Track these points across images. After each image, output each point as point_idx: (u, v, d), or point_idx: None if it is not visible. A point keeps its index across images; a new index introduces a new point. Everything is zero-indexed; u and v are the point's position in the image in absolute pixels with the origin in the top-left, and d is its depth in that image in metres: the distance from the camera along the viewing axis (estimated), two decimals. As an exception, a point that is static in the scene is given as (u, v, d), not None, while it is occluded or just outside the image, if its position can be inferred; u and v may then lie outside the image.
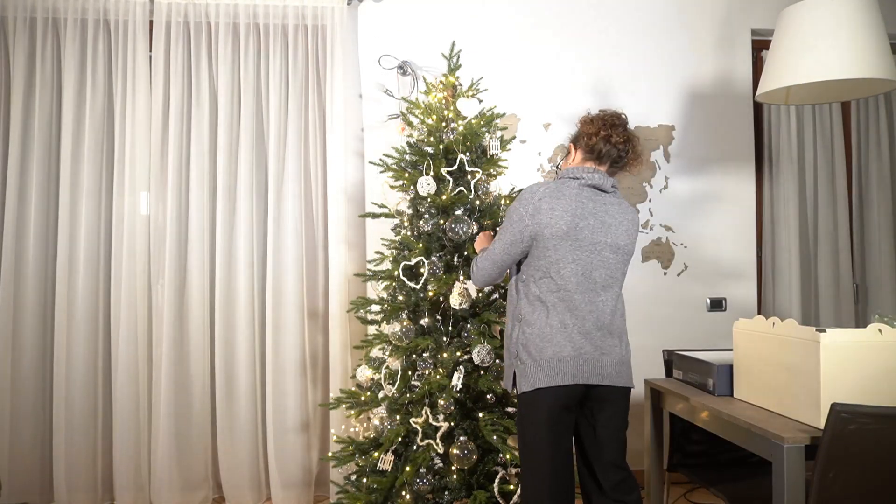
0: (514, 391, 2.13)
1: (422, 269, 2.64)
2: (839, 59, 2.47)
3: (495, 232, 2.63)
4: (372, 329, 2.91)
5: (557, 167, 2.41)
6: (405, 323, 2.64)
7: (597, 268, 2.09)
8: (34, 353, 3.24)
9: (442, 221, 2.66)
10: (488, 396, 2.60)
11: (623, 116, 2.20)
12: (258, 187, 3.40)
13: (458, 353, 2.60)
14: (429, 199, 2.67)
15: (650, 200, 3.59)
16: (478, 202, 2.69)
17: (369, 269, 2.84)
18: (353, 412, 2.80)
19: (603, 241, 2.09)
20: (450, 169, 2.67)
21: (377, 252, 2.95)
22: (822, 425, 1.87)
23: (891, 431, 1.74)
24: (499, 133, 2.81)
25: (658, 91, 3.59)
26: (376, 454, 2.59)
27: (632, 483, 2.17)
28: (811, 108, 3.72)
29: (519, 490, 2.47)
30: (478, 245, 2.43)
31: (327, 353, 3.37)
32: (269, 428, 3.30)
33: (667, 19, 3.60)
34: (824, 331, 1.93)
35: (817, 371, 1.91)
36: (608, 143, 2.13)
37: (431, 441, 2.52)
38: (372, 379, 2.76)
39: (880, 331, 1.93)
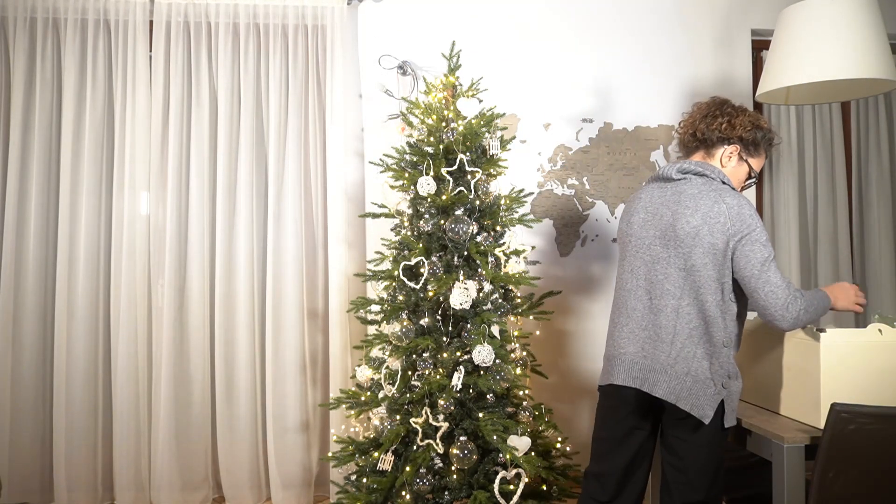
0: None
1: (422, 269, 2.64)
2: (839, 59, 2.47)
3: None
4: (372, 329, 2.91)
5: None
6: (405, 323, 2.64)
7: (644, 264, 2.01)
8: (34, 353, 3.24)
9: (442, 221, 2.66)
10: (488, 396, 2.60)
11: (702, 102, 2.15)
12: (258, 187, 3.40)
13: (458, 353, 2.60)
14: (429, 199, 2.67)
15: (650, 200, 3.59)
16: (478, 202, 2.69)
17: (369, 269, 2.84)
18: (353, 412, 2.80)
19: (651, 235, 2.00)
20: (450, 169, 2.67)
21: (377, 252, 2.95)
22: (821, 425, 1.87)
23: (891, 431, 1.74)
24: (499, 133, 2.81)
25: (658, 91, 3.59)
26: (376, 454, 2.59)
27: None
28: (811, 108, 3.72)
29: (520, 489, 2.46)
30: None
31: (327, 353, 3.37)
32: (269, 428, 3.30)
33: (667, 19, 3.60)
34: (824, 331, 1.93)
35: (817, 371, 1.91)
36: (678, 134, 2.17)
37: (431, 441, 2.52)
38: (372, 379, 2.76)
39: (880, 331, 1.93)
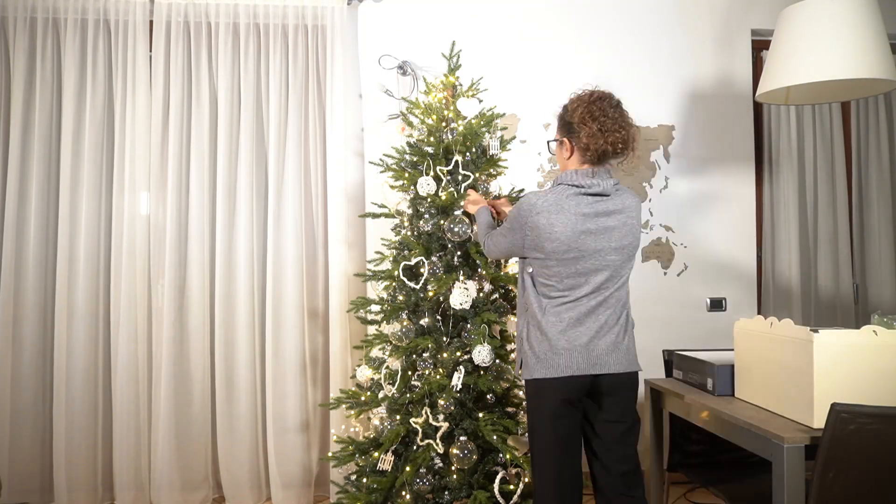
0: (520, 374, 2.16)
1: (422, 269, 2.64)
2: (839, 59, 2.47)
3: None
4: (372, 329, 2.91)
5: (551, 155, 2.33)
6: (405, 323, 2.64)
7: (600, 270, 2.04)
8: (34, 353, 3.24)
9: (442, 221, 2.66)
10: (488, 396, 2.60)
11: (616, 101, 2.07)
12: (258, 187, 3.40)
13: (458, 353, 2.60)
14: (429, 199, 2.67)
15: (650, 200, 3.59)
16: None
17: (369, 269, 2.84)
18: (353, 412, 2.80)
19: (607, 247, 2.04)
20: (449, 169, 2.67)
21: (377, 252, 2.95)
22: (814, 425, 1.87)
23: (891, 431, 1.74)
24: (499, 133, 2.81)
25: (658, 91, 3.59)
26: (376, 454, 2.59)
27: (638, 477, 2.11)
28: (811, 108, 3.72)
29: (520, 489, 2.47)
30: (471, 207, 2.55)
31: (327, 352, 3.37)
32: (269, 428, 3.30)
33: (666, 19, 3.60)
34: (817, 331, 1.93)
35: (810, 371, 1.91)
36: (607, 143, 2.02)
37: (431, 441, 2.52)
38: (372, 379, 2.76)
39: (875, 332, 1.92)
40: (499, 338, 2.60)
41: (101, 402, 3.29)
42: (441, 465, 2.56)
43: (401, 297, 2.69)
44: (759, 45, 3.68)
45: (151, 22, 3.31)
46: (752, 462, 2.57)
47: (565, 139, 2.11)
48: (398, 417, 2.60)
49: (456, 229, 2.60)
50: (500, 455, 2.54)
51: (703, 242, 3.62)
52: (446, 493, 2.56)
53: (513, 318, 2.84)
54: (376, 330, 2.84)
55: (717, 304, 3.62)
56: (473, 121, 2.72)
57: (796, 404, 1.97)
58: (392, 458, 2.57)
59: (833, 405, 1.74)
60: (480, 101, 2.77)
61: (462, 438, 2.52)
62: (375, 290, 2.86)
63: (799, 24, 2.56)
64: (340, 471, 3.09)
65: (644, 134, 3.58)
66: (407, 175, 2.73)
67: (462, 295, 2.54)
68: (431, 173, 2.67)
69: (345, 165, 3.38)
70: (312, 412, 3.39)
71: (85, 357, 3.24)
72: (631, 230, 2.09)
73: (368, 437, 2.73)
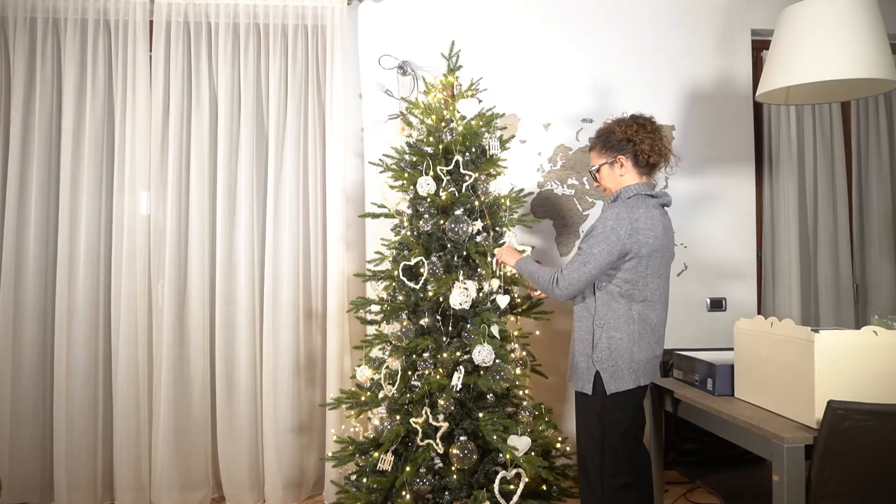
0: (584, 390, 2.32)
1: (421, 269, 2.64)
2: (839, 59, 2.47)
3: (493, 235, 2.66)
4: (372, 329, 2.91)
5: (595, 176, 2.44)
6: (405, 323, 2.64)
7: (666, 279, 2.33)
8: (34, 353, 3.24)
9: (441, 221, 2.67)
10: (488, 396, 2.60)
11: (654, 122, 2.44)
12: (258, 187, 3.40)
13: (458, 353, 2.60)
14: (428, 199, 2.67)
15: (650, 200, 3.59)
16: (477, 203, 2.69)
17: (369, 270, 2.84)
18: (353, 412, 2.80)
19: (670, 255, 2.34)
20: (448, 168, 2.67)
21: (377, 252, 2.95)
22: (815, 425, 1.87)
23: (885, 428, 1.76)
24: (498, 133, 2.81)
25: (658, 91, 3.59)
26: (376, 454, 2.59)
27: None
28: (811, 108, 3.72)
29: (520, 489, 2.46)
30: (506, 258, 2.56)
31: (325, 353, 3.37)
32: (269, 428, 3.30)
33: (667, 19, 3.60)
34: (818, 331, 1.94)
35: (811, 371, 1.91)
36: (661, 156, 2.36)
37: (431, 441, 2.52)
38: (372, 379, 2.76)
39: (875, 332, 1.93)
40: (498, 338, 2.60)
41: (101, 402, 3.29)
42: (441, 465, 2.56)
43: (401, 297, 2.69)
44: (759, 45, 3.68)
45: (151, 22, 3.31)
46: (746, 459, 2.57)
47: (619, 156, 2.36)
48: (398, 417, 2.60)
49: (456, 229, 2.60)
50: (500, 455, 2.54)
51: (703, 242, 3.62)
52: (446, 493, 2.56)
53: (512, 318, 2.84)
54: (376, 330, 2.84)
55: (717, 304, 3.62)
56: (473, 121, 2.73)
57: (796, 404, 1.97)
58: (392, 458, 2.57)
59: (829, 402, 1.75)
60: (480, 102, 2.77)
61: (462, 438, 2.52)
62: (375, 290, 2.86)
63: (799, 24, 2.56)
64: (340, 471, 3.09)
65: (644, 134, 3.58)
66: (406, 175, 2.73)
67: (462, 295, 2.54)
68: (431, 173, 2.67)
69: (344, 165, 3.38)
70: (312, 412, 3.39)
71: (85, 357, 3.24)
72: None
73: (368, 437, 2.74)
